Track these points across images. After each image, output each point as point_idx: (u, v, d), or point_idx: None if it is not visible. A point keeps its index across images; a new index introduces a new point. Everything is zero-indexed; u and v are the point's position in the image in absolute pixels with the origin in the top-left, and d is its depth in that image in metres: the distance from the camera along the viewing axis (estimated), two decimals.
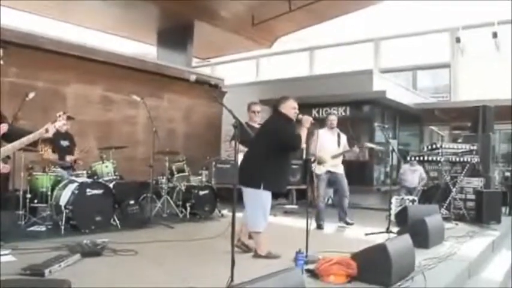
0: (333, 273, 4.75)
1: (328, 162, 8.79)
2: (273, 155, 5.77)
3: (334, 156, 8.94)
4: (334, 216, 9.18)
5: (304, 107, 14.49)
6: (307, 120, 5.90)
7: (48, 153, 7.64)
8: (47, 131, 4.19)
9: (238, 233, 6.01)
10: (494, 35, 19.44)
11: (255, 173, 5.74)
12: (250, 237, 6.20)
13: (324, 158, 8.66)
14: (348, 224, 8.97)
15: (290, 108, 5.98)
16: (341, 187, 9.02)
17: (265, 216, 5.92)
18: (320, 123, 9.04)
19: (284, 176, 6.19)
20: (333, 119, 9.20)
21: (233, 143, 7.38)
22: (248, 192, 5.84)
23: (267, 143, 5.79)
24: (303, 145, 6.54)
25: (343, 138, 9.23)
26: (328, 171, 8.87)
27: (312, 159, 8.57)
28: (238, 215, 4.77)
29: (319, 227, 8.62)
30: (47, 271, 4.66)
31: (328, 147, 8.81)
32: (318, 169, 8.66)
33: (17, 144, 4.09)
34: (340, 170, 9.02)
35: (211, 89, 12.29)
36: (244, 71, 26.22)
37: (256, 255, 5.91)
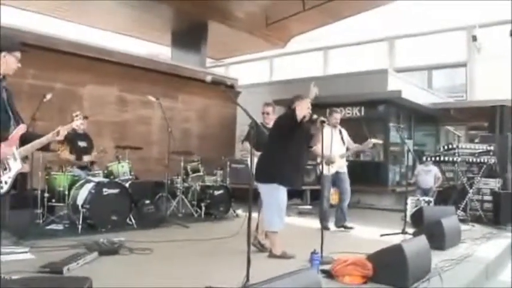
0: (348, 273, 4.75)
1: (336, 162, 8.67)
2: (287, 151, 5.82)
3: (343, 156, 8.87)
4: (351, 217, 9.11)
5: (318, 107, 14.52)
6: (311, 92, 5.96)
7: (65, 153, 7.73)
8: (58, 134, 4.22)
9: (254, 232, 6.05)
10: None
11: (269, 169, 5.79)
12: (266, 236, 6.22)
13: (332, 159, 8.53)
14: (347, 228, 8.72)
15: (305, 107, 5.97)
16: (344, 188, 8.86)
17: (280, 216, 5.93)
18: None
19: (299, 172, 6.20)
20: (338, 117, 8.99)
21: (245, 143, 7.43)
22: (264, 190, 5.89)
23: (279, 138, 5.85)
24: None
25: (345, 134, 9.11)
26: (336, 172, 8.76)
27: (319, 160, 8.57)
28: (254, 215, 4.79)
29: (326, 227, 8.39)
30: (65, 269, 4.73)
31: (335, 147, 8.63)
32: (326, 170, 8.46)
33: (29, 146, 4.14)
34: (344, 169, 8.91)
35: (227, 90, 12.32)
36: (258, 71, 26.21)
37: (271, 255, 5.93)
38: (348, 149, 8.98)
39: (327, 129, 8.66)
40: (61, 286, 2.92)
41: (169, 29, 16.86)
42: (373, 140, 9.28)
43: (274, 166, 5.80)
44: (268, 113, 7.57)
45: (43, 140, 4.23)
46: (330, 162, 8.39)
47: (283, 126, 5.97)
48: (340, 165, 8.82)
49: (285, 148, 5.83)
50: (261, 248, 6.17)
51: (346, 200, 8.87)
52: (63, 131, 4.27)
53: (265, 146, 6.04)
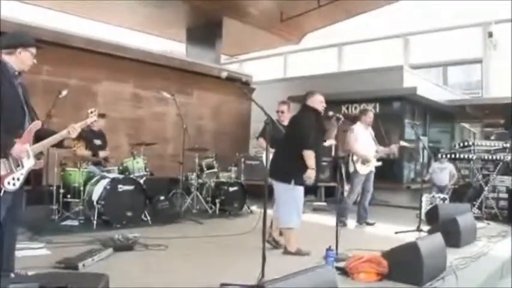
0: (363, 271, 4.74)
1: (371, 162, 8.61)
2: (301, 150, 5.79)
3: (377, 156, 8.78)
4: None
5: (334, 103, 14.49)
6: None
7: (81, 149, 7.76)
8: (69, 133, 4.26)
9: (269, 229, 6.04)
10: None
11: (286, 168, 5.79)
12: (280, 233, 6.22)
13: (368, 158, 8.49)
14: (368, 224, 8.78)
15: (318, 102, 6.07)
16: (369, 185, 8.82)
17: (298, 212, 5.96)
18: (352, 120, 8.97)
19: (316, 169, 6.18)
20: (372, 115, 8.90)
21: (261, 140, 7.43)
22: (280, 188, 5.87)
23: (297, 137, 5.82)
24: (332, 142, 6.54)
25: (372, 134, 9.04)
26: (369, 171, 8.69)
27: (355, 158, 8.46)
28: (269, 211, 4.79)
29: (344, 224, 8.41)
30: (80, 265, 4.76)
31: (369, 146, 8.64)
32: (362, 169, 8.48)
33: (44, 143, 4.17)
34: (374, 169, 8.84)
35: (243, 86, 12.31)
36: (272, 68, 26.17)
37: (286, 252, 5.93)
38: (376, 151, 8.87)
39: (361, 128, 8.68)
40: (78, 282, 2.93)
41: (184, 25, 16.87)
42: (402, 143, 9.33)
43: (293, 165, 5.79)
44: (283, 112, 7.54)
45: (57, 137, 4.27)
46: (366, 161, 8.39)
47: (304, 127, 5.90)
48: (373, 165, 8.77)
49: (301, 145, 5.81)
50: (276, 245, 6.17)
51: (369, 198, 8.91)
52: (74, 130, 4.29)
53: (282, 144, 6.00)
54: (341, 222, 8.21)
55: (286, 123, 7.11)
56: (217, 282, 4.39)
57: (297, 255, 5.81)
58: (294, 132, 5.88)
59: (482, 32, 21.09)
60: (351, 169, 8.65)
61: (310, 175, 5.74)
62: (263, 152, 7.62)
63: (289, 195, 5.85)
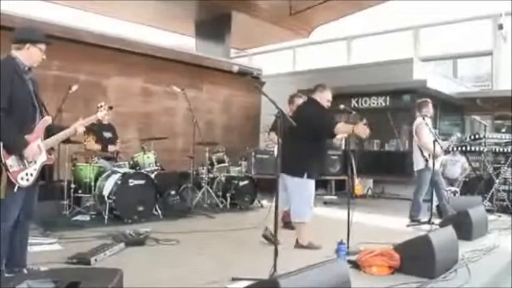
0: (375, 264, 4.74)
1: (440, 156, 8.39)
2: (312, 143, 5.82)
3: (445, 150, 8.65)
4: (376, 207, 9.05)
5: (343, 97, 14.45)
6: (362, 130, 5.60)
7: (91, 143, 7.79)
8: (75, 130, 4.29)
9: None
10: None
11: (299, 162, 5.76)
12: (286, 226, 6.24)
13: (438, 152, 8.12)
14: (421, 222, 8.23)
15: (325, 100, 6.09)
16: (441, 180, 8.57)
17: (311, 206, 6.01)
18: (360, 113, 8.87)
19: (322, 162, 6.20)
20: (431, 107, 8.53)
21: (272, 134, 7.42)
22: (294, 182, 5.84)
23: (305, 131, 5.68)
24: (343, 135, 6.47)
25: None
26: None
27: (426, 154, 8.17)
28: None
29: (419, 221, 8.12)
30: (92, 259, 4.80)
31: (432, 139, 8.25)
32: (431, 164, 8.15)
33: (54, 138, 4.20)
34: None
35: (254, 80, 12.29)
36: (282, 61, 26.11)
37: (298, 245, 5.93)
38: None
39: (427, 123, 8.30)
40: (92, 277, 2.94)
41: (193, 19, 16.88)
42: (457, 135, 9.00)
43: (303, 159, 5.79)
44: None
45: (67, 133, 4.30)
46: (436, 156, 8.10)
47: (316, 124, 5.84)
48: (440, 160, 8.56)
49: (311, 140, 5.80)
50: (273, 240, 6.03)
51: (445, 194, 8.61)
52: (80, 126, 4.32)
53: (293, 138, 5.90)
54: (414, 221, 8.16)
55: None
56: (229, 276, 4.41)
57: (309, 248, 5.81)
58: (307, 125, 5.72)
59: (492, 24, 20.90)
60: (420, 165, 8.32)
61: (360, 130, 5.54)
62: (274, 146, 7.62)
63: (305, 190, 5.86)
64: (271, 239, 5.97)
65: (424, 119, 8.30)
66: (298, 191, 5.85)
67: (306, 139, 5.75)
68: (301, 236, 5.96)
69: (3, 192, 3.77)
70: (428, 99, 8.56)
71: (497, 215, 9.19)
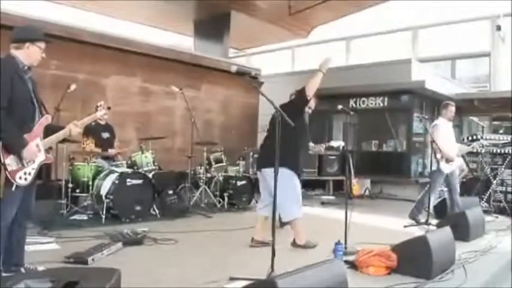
0: (372, 265, 4.75)
1: (455, 160, 8.27)
2: (289, 137, 5.41)
3: (459, 154, 8.59)
4: (374, 207, 9.05)
5: (342, 97, 14.45)
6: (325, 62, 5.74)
7: (91, 146, 7.78)
8: (70, 131, 4.29)
9: (257, 232, 6.03)
10: None
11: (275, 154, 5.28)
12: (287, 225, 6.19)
13: (452, 156, 8.11)
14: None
15: (315, 85, 5.81)
16: (455, 182, 8.46)
17: (298, 203, 5.83)
18: (359, 113, 8.87)
19: (299, 159, 5.98)
20: (453, 110, 8.42)
21: None
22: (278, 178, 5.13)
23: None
24: (341, 143, 6.34)
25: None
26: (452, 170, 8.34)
27: (438, 156, 8.07)
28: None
29: (418, 221, 8.14)
30: (90, 259, 4.79)
31: (452, 142, 8.30)
32: (445, 167, 8.09)
33: (53, 138, 4.22)
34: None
35: (252, 80, 12.29)
36: (280, 61, 26.12)
37: (295, 245, 5.89)
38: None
39: (444, 123, 8.27)
40: (90, 277, 2.94)
41: (192, 19, 16.88)
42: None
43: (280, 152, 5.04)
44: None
45: (60, 135, 4.30)
46: (450, 160, 8.06)
47: (293, 109, 5.58)
48: (456, 162, 8.49)
49: (290, 134, 5.33)
50: (262, 245, 5.88)
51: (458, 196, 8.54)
52: (75, 127, 4.32)
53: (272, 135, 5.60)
54: (414, 220, 8.21)
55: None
56: (227, 276, 4.42)
57: (306, 248, 5.81)
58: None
59: (491, 25, 20.94)
60: (433, 167, 8.24)
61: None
62: None
63: (289, 185, 5.56)
64: (259, 246, 5.92)
65: (442, 121, 8.33)
66: (284, 187, 5.14)
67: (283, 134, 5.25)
68: (298, 235, 5.89)
69: (2, 191, 3.77)
70: (451, 102, 8.52)
71: (494, 216, 9.22)
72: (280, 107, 4.69)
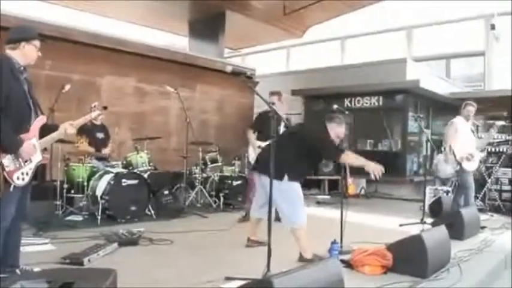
0: (368, 264, 4.77)
1: (476, 157, 8.28)
2: (300, 154, 5.40)
3: (482, 150, 8.60)
4: (369, 207, 9.07)
5: (337, 96, 14.47)
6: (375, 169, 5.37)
7: (84, 145, 7.77)
8: (65, 131, 4.28)
9: (252, 232, 5.96)
10: None
11: (280, 165, 5.01)
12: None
13: (473, 154, 8.13)
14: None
15: (335, 134, 5.54)
16: (471, 183, 8.35)
17: (303, 208, 5.50)
18: (354, 113, 8.87)
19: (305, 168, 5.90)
20: (471, 109, 8.42)
21: (250, 131, 7.46)
22: (283, 186, 5.22)
23: (299, 144, 5.40)
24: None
25: (473, 128, 8.70)
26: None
27: (458, 157, 8.08)
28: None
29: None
30: (86, 260, 4.79)
31: (470, 141, 8.28)
32: (468, 165, 8.12)
33: (48, 138, 4.21)
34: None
35: (247, 80, 12.29)
36: (275, 61, 26.14)
37: (302, 259, 5.28)
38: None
39: (462, 122, 8.31)
40: (86, 278, 2.94)
41: (186, 18, 16.85)
42: (498, 123, 8.91)
43: (285, 163, 5.22)
44: (273, 103, 7.52)
45: (57, 135, 4.29)
46: (470, 158, 8.08)
47: (316, 147, 5.43)
48: (478, 160, 8.48)
49: (301, 153, 5.41)
50: (258, 244, 5.83)
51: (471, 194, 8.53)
52: (70, 127, 4.31)
53: (282, 143, 5.55)
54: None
55: (281, 113, 7.11)
56: (223, 275, 4.42)
57: (313, 261, 4.99)
58: (306, 143, 5.40)
59: (485, 24, 20.99)
60: (456, 167, 8.27)
61: (372, 167, 5.33)
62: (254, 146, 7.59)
63: (296, 192, 5.35)
64: (255, 245, 5.90)
65: (459, 119, 8.39)
66: (290, 194, 5.30)
67: (296, 150, 5.40)
68: (304, 249, 5.33)
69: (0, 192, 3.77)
70: (471, 102, 8.53)
71: (489, 214, 9.27)
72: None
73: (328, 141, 5.44)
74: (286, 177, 5.24)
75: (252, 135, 7.51)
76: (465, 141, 8.17)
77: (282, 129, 7.06)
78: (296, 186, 5.37)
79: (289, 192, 5.29)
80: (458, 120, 8.34)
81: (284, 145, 5.30)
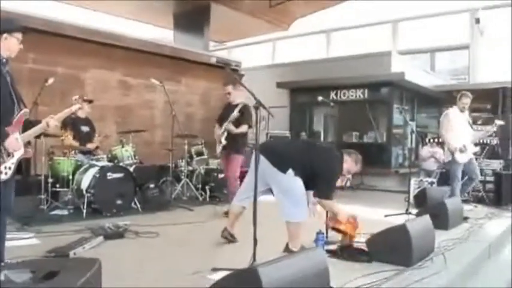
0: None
1: (469, 149, 8.34)
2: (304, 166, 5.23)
3: (474, 141, 8.63)
4: (355, 198, 9.11)
5: (322, 89, 14.48)
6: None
7: (69, 139, 7.73)
8: (47, 125, 4.24)
9: (230, 223, 5.82)
10: None
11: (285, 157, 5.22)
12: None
13: (466, 146, 8.20)
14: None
15: (347, 169, 5.53)
16: (472, 171, 8.52)
17: (306, 205, 5.36)
18: (339, 105, 8.90)
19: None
20: (466, 101, 8.44)
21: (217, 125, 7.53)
22: (285, 178, 5.11)
23: (309, 157, 5.28)
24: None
25: (469, 118, 8.72)
26: (470, 159, 8.42)
27: (451, 148, 8.18)
28: (264, 198, 4.85)
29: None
30: (71, 253, 4.77)
31: (464, 132, 8.34)
32: (460, 157, 8.17)
33: (31, 132, 4.16)
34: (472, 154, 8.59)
35: (232, 72, 12.28)
36: (261, 54, 26.14)
37: (287, 250, 5.15)
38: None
39: (456, 113, 8.33)
40: (71, 267, 2.94)
41: (171, 11, 16.78)
42: (498, 122, 8.94)
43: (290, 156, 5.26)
44: (229, 93, 7.81)
45: (39, 128, 4.24)
46: (463, 150, 8.15)
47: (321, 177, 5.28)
48: (472, 151, 8.54)
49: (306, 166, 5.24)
50: (232, 239, 5.78)
51: (473, 185, 8.84)
52: (53, 120, 4.26)
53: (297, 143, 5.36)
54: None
55: (235, 103, 7.50)
56: (209, 267, 4.42)
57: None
58: (313, 168, 5.24)
59: (470, 18, 21.15)
60: (448, 157, 8.38)
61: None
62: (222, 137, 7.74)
63: (299, 185, 5.17)
64: (230, 238, 5.78)
65: (454, 110, 8.46)
66: (292, 185, 5.13)
67: (305, 156, 5.29)
68: (293, 239, 5.20)
69: None
70: (466, 93, 8.55)
71: (473, 205, 9.36)
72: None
73: (334, 181, 5.40)
74: (291, 171, 5.09)
75: (218, 129, 7.97)
76: (459, 133, 8.25)
77: (236, 113, 7.47)
78: (300, 182, 5.17)
79: (293, 189, 5.13)
80: (451, 111, 8.44)
81: (298, 145, 5.49)
